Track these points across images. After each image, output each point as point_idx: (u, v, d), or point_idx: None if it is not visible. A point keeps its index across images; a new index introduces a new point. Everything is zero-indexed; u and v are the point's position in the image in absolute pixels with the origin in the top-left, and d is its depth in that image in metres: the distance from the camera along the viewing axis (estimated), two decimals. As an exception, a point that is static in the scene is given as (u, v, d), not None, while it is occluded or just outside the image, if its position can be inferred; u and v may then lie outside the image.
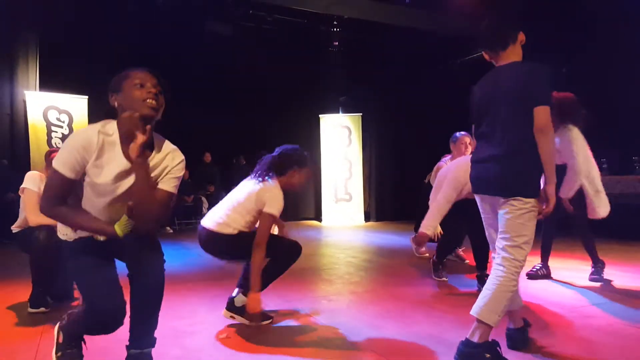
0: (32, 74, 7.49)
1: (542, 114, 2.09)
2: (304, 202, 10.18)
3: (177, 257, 5.23)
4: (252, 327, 2.69)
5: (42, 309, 3.09)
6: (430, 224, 3.46)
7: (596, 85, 6.83)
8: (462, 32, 8.36)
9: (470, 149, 4.12)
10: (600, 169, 6.52)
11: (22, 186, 3.20)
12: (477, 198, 2.35)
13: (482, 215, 2.36)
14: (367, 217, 9.68)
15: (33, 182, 3.18)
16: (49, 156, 3.26)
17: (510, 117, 2.14)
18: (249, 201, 2.76)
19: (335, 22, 8.38)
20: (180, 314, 2.99)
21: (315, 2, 7.47)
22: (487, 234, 2.39)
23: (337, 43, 8.78)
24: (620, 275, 3.97)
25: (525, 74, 2.21)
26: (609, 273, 4.00)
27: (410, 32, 8.17)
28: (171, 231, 8.22)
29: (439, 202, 3.45)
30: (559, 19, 7.33)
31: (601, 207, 3.72)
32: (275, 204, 2.70)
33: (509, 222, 2.10)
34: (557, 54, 7.42)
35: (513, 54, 2.34)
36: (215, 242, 2.78)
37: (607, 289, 3.50)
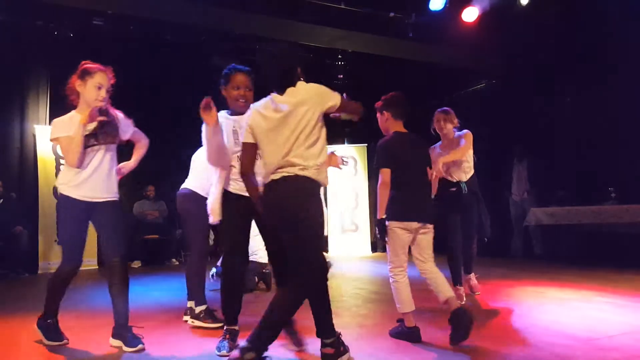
0: (42, 108, 7.64)
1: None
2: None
3: (184, 289, 5.17)
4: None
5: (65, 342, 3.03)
6: None
7: (600, 115, 6.87)
8: (465, 64, 8.49)
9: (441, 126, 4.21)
10: (608, 197, 6.54)
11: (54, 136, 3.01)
12: (405, 225, 3.04)
13: (405, 239, 3.09)
14: (374, 248, 9.61)
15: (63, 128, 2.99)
16: (83, 65, 3.01)
17: (426, 173, 3.22)
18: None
19: (339, 56, 8.54)
20: (186, 350, 2.95)
21: (320, 37, 7.63)
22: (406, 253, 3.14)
23: (342, 76, 8.93)
24: (632, 306, 3.89)
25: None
26: (621, 304, 3.93)
27: (413, 65, 8.30)
28: (177, 263, 8.19)
29: None
30: (563, 50, 7.43)
31: None
32: None
33: (431, 241, 3.15)
34: (561, 84, 7.51)
35: None
36: None
37: (620, 321, 3.42)
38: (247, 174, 2.55)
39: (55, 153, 7.44)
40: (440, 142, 4.33)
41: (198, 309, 3.59)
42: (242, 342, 2.27)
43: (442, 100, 8.95)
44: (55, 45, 7.34)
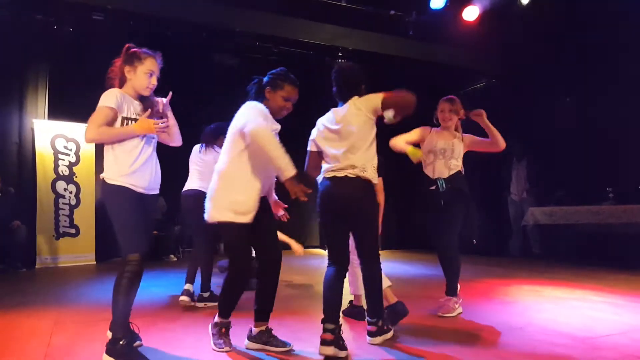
0: (41, 103, 7.62)
1: None
2: (308, 230, 10.15)
3: (181, 285, 5.19)
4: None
5: None
6: None
7: (599, 115, 6.88)
8: (465, 63, 8.50)
9: (445, 117, 3.85)
10: (606, 198, 6.56)
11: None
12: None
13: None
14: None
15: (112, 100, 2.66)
16: (128, 52, 2.81)
17: None
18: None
19: (340, 54, 8.53)
20: (184, 344, 2.96)
21: (321, 34, 7.62)
22: None
23: (342, 73, 8.90)
24: (629, 305, 3.90)
25: None
26: (618, 304, 3.94)
27: (413, 63, 8.30)
28: (175, 259, 8.19)
29: None
30: (563, 50, 7.44)
31: None
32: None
33: None
34: (561, 84, 7.52)
35: None
36: None
37: (617, 320, 3.44)
38: (312, 176, 3.03)
39: (53, 148, 7.43)
40: (438, 128, 3.93)
41: (207, 294, 4.24)
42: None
43: (441, 99, 8.97)
44: (54, 40, 7.32)
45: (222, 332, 2.85)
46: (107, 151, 2.69)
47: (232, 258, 2.82)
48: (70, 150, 7.58)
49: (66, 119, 7.52)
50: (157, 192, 2.83)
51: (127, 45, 2.81)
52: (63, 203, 7.46)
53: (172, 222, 8.33)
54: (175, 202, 8.55)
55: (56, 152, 7.45)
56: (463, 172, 3.82)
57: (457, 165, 3.78)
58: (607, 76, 6.78)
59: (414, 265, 7.01)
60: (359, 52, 8.11)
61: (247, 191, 2.72)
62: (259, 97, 2.88)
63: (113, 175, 2.65)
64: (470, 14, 7.60)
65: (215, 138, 4.37)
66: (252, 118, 2.64)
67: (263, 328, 2.88)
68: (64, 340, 3.05)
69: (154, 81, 2.77)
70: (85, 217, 7.59)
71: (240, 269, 2.81)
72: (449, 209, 3.68)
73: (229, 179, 2.74)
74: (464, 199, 3.72)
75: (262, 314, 2.90)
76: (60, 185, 7.46)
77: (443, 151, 3.79)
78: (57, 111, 7.57)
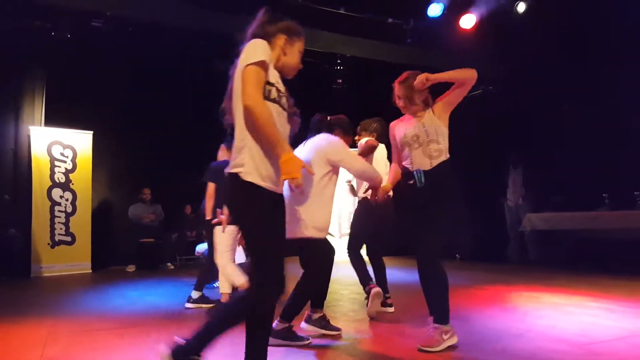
0: (37, 109, 7.62)
1: None
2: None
3: (179, 294, 5.16)
4: None
5: None
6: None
7: (595, 121, 6.90)
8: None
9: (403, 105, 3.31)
10: (602, 203, 6.55)
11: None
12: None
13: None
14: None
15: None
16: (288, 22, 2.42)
17: None
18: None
19: (339, 61, 8.56)
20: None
21: (320, 42, 7.65)
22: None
23: (340, 80, 8.95)
24: (626, 311, 3.89)
25: None
26: (615, 309, 3.93)
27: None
28: (172, 267, 8.15)
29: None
30: (559, 58, 7.48)
31: None
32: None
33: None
34: (558, 91, 7.56)
35: None
36: None
37: (614, 326, 3.43)
38: None
39: (50, 155, 7.40)
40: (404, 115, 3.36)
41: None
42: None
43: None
44: (52, 46, 7.31)
45: (293, 332, 3.12)
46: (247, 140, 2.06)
47: (320, 268, 3.29)
48: (67, 157, 7.56)
49: (63, 125, 7.51)
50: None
51: (281, 18, 2.33)
52: (59, 211, 7.42)
53: (169, 230, 8.30)
54: (174, 208, 8.54)
55: (52, 159, 7.43)
56: (448, 157, 3.07)
57: (440, 149, 3.03)
58: (604, 82, 6.81)
59: (408, 271, 6.99)
60: (357, 59, 8.15)
61: (331, 210, 3.28)
62: (331, 130, 3.54)
63: (250, 172, 2.01)
64: (468, 21, 7.65)
65: None
66: (353, 160, 3.38)
67: (321, 314, 3.37)
68: (57, 351, 3.00)
69: (300, 65, 2.31)
70: (82, 225, 7.55)
71: (326, 277, 3.40)
72: (428, 211, 2.96)
73: (324, 199, 3.24)
74: (447, 196, 2.98)
75: (321, 299, 3.43)
76: (56, 192, 7.43)
77: (416, 138, 3.07)
78: (53, 118, 7.57)
